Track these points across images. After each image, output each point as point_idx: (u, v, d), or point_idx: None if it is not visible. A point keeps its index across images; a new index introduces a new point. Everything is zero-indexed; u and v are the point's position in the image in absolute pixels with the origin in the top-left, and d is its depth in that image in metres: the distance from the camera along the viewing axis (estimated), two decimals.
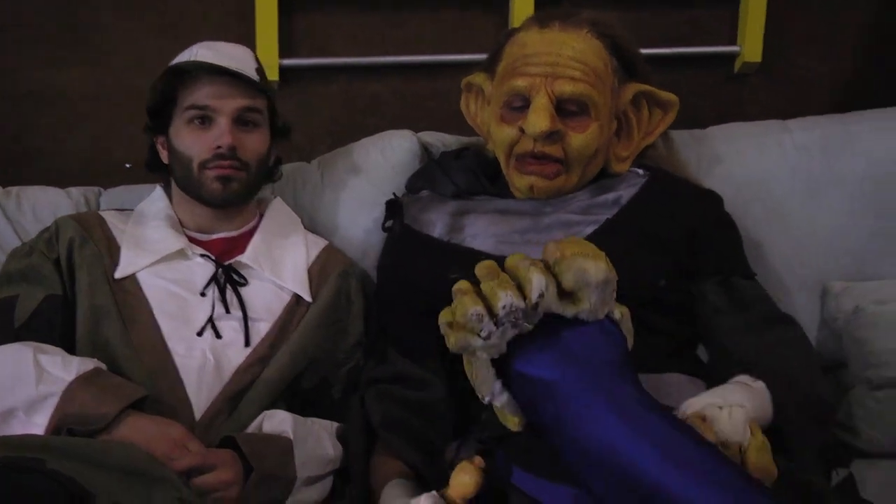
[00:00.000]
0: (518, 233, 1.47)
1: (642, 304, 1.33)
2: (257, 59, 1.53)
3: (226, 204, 1.49)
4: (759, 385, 1.18)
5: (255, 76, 1.48)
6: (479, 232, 1.49)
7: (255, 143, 1.49)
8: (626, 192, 1.49)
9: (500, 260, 1.41)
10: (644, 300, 1.33)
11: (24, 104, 1.89)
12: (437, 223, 1.53)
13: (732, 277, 1.45)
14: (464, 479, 1.06)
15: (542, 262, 1.03)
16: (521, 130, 1.47)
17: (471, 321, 0.99)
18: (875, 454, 1.54)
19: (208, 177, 1.45)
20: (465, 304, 1.00)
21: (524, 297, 0.99)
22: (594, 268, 1.02)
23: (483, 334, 0.99)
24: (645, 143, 1.58)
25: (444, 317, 1.03)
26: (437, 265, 1.46)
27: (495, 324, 0.99)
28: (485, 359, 1.02)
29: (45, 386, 1.23)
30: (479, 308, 0.99)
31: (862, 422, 1.49)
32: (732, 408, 1.08)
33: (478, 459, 1.09)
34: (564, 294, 1.02)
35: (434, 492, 1.09)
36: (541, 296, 0.99)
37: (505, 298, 0.99)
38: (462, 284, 1.03)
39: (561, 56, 1.45)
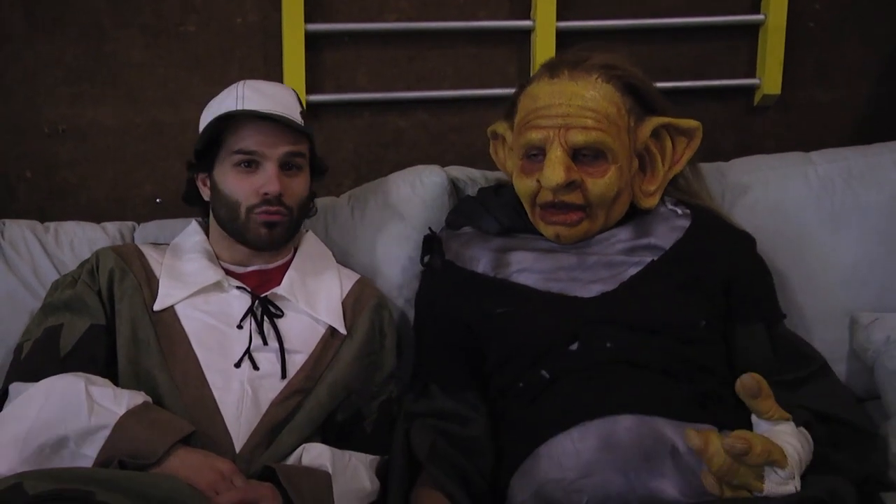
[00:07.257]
0: (564, 270, 1.49)
1: (685, 343, 1.37)
2: (300, 100, 1.55)
3: (270, 248, 1.51)
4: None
5: (299, 119, 1.49)
6: (526, 268, 1.50)
7: (299, 186, 1.51)
8: (669, 237, 1.51)
9: (544, 295, 1.45)
10: (686, 339, 1.40)
11: (55, 140, 1.91)
12: (481, 259, 1.54)
13: (763, 323, 1.49)
14: None
15: None
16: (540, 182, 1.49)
17: None
18: None
19: (255, 221, 1.47)
20: None
21: None
22: None
23: None
24: (672, 172, 1.59)
25: None
26: (483, 300, 1.49)
27: None
28: None
29: (98, 418, 1.24)
30: None
31: None
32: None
33: None
34: None
35: None
36: None
37: None
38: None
39: (572, 106, 1.47)
